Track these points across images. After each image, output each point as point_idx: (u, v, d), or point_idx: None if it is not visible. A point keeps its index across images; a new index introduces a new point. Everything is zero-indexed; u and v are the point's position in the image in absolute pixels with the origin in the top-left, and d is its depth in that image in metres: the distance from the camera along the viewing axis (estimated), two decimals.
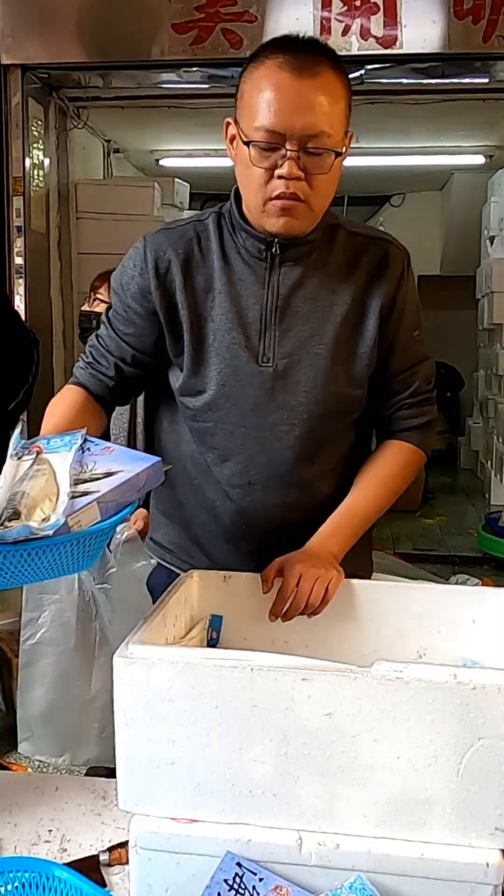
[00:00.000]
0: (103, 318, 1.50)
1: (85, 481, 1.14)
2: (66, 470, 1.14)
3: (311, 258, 1.40)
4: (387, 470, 1.47)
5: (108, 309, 1.50)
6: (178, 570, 1.53)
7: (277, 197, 1.30)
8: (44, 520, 1.04)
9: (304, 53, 1.27)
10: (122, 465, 1.17)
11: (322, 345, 1.40)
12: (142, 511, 2.54)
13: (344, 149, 1.32)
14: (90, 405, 1.46)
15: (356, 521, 1.44)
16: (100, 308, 2.70)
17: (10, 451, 1.22)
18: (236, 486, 1.45)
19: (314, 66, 1.26)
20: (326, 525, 1.42)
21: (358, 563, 1.49)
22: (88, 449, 1.22)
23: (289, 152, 1.26)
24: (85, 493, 1.10)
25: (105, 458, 1.19)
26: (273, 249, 1.37)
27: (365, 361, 1.42)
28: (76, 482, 1.13)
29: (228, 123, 1.36)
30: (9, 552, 1.00)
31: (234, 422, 1.42)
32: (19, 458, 1.20)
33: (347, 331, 1.40)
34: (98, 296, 2.73)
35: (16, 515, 1.06)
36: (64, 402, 1.45)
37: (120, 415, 2.61)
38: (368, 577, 1.56)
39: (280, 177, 1.28)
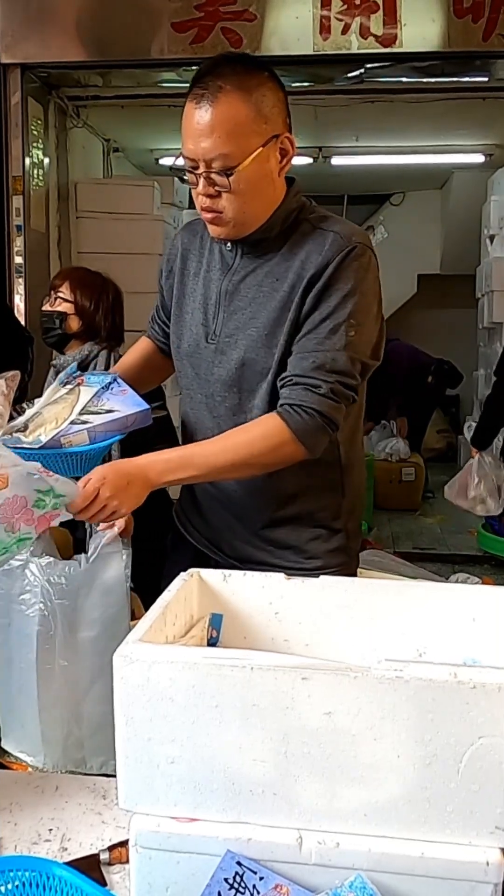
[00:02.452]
0: None
1: (91, 413, 1.54)
2: (84, 402, 1.54)
3: (268, 251, 1.55)
4: (242, 434, 1.51)
5: None
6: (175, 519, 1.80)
7: (201, 209, 1.51)
8: (36, 437, 1.49)
9: (206, 78, 1.42)
10: (121, 406, 1.55)
11: (255, 328, 1.54)
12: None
13: (251, 158, 1.42)
14: (155, 356, 1.82)
15: (186, 462, 1.50)
16: (62, 307, 2.62)
17: (62, 376, 1.64)
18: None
19: (213, 93, 1.41)
20: (159, 454, 1.51)
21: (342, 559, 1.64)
22: (112, 388, 1.59)
23: (199, 175, 1.45)
24: (85, 423, 1.51)
25: (115, 399, 1.57)
26: (227, 245, 1.58)
27: (284, 346, 1.51)
28: (85, 412, 1.53)
29: None
30: (16, 451, 1.41)
31: (194, 388, 1.64)
32: (63, 385, 1.61)
33: (280, 317, 1.51)
34: (59, 294, 2.64)
35: (24, 428, 1.52)
36: (135, 351, 1.86)
37: None
38: (354, 573, 1.66)
39: (198, 194, 1.49)
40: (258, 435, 1.49)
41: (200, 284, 1.62)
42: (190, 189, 1.53)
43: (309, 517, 1.63)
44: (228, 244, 1.57)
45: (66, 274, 2.72)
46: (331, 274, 1.47)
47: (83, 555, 2.33)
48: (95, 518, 1.45)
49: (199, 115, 1.42)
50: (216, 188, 1.45)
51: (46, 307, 2.67)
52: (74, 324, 2.61)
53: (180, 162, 1.49)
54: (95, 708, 2.04)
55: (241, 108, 1.42)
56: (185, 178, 1.50)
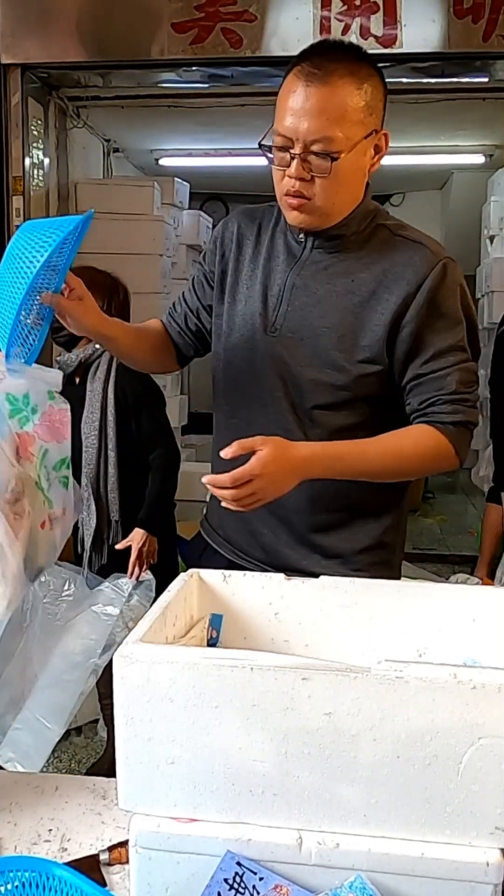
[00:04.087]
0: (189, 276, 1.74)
1: None
2: None
3: (343, 249, 1.50)
4: (407, 441, 1.47)
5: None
6: (202, 532, 1.72)
7: (287, 193, 1.43)
8: None
9: (320, 59, 1.37)
10: None
11: (326, 328, 1.48)
12: (137, 532, 2.59)
13: (354, 148, 1.39)
14: (164, 338, 1.73)
15: (352, 462, 1.44)
16: None
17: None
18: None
19: (327, 73, 1.35)
20: (323, 447, 1.43)
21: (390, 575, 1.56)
22: None
23: (295, 155, 1.38)
24: None
25: None
26: (299, 235, 1.52)
27: (366, 354, 1.46)
28: None
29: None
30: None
31: (246, 381, 1.56)
32: None
33: (355, 321, 1.47)
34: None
35: None
36: (146, 324, 1.75)
37: (91, 413, 2.60)
38: None
39: (288, 176, 1.41)
40: (423, 446, 1.46)
41: (259, 273, 1.56)
42: (273, 171, 1.45)
43: (363, 528, 1.57)
44: (302, 234, 1.52)
45: (77, 274, 2.70)
46: (435, 292, 1.45)
47: (102, 584, 2.34)
48: (233, 502, 1.35)
49: (308, 93, 1.36)
50: (311, 172, 1.39)
51: None
52: None
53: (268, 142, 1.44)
54: (30, 710, 2.04)
55: (353, 95, 1.38)
56: (270, 156, 1.42)
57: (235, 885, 0.94)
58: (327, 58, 1.37)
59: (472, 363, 1.50)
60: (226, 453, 1.32)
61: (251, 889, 0.94)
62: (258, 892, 0.94)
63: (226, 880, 0.94)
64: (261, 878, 0.94)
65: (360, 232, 1.51)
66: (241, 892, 0.93)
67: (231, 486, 1.32)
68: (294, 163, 1.38)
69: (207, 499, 1.75)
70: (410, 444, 1.47)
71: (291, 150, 1.38)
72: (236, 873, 0.94)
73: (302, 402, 1.51)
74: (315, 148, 1.37)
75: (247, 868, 0.95)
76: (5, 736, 2.03)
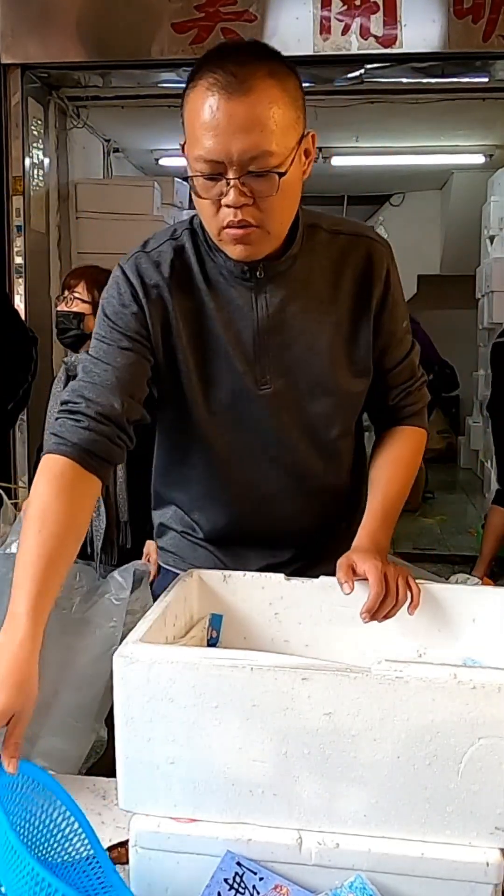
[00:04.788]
0: (88, 359, 1.32)
1: None
2: None
3: (296, 270, 1.34)
4: (407, 453, 1.49)
5: (94, 347, 1.33)
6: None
7: (228, 226, 1.22)
8: None
9: (235, 67, 1.17)
10: None
11: (318, 356, 1.37)
12: (151, 544, 2.56)
13: (292, 157, 1.21)
14: (77, 485, 1.21)
15: (393, 507, 1.43)
16: (79, 307, 2.58)
17: None
18: (249, 499, 1.45)
19: (246, 80, 1.16)
20: (369, 518, 1.39)
21: None
22: None
23: (231, 180, 1.18)
24: None
25: None
26: (258, 273, 1.31)
27: (361, 367, 1.41)
28: None
29: (183, 146, 1.26)
30: None
31: (243, 441, 1.40)
32: None
33: (342, 338, 1.39)
34: (76, 295, 2.59)
35: None
36: (48, 493, 1.18)
37: None
38: None
39: (227, 205, 1.20)
40: (416, 449, 1.50)
41: (219, 326, 1.34)
42: (199, 206, 1.25)
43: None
44: (259, 270, 1.31)
45: (80, 273, 2.69)
46: (395, 285, 1.42)
47: (113, 572, 2.31)
48: (387, 612, 1.23)
49: (230, 107, 1.15)
50: (253, 196, 1.20)
51: (62, 307, 2.65)
52: (92, 323, 2.61)
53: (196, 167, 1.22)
54: (56, 714, 2.02)
55: (280, 99, 1.18)
56: (193, 187, 1.22)
57: (235, 886, 0.94)
58: (239, 61, 1.17)
59: (415, 342, 1.51)
60: (348, 590, 1.23)
61: (251, 889, 0.94)
62: (258, 892, 0.94)
63: (226, 880, 0.94)
64: (261, 878, 0.94)
65: (302, 244, 1.35)
66: (241, 892, 0.93)
67: (383, 594, 1.22)
68: (232, 190, 1.18)
69: (163, 542, 1.59)
70: (409, 456, 1.49)
71: (226, 176, 1.18)
72: (236, 873, 0.94)
73: (321, 437, 1.43)
74: (253, 167, 1.17)
75: (247, 868, 0.95)
76: (34, 746, 2.02)
